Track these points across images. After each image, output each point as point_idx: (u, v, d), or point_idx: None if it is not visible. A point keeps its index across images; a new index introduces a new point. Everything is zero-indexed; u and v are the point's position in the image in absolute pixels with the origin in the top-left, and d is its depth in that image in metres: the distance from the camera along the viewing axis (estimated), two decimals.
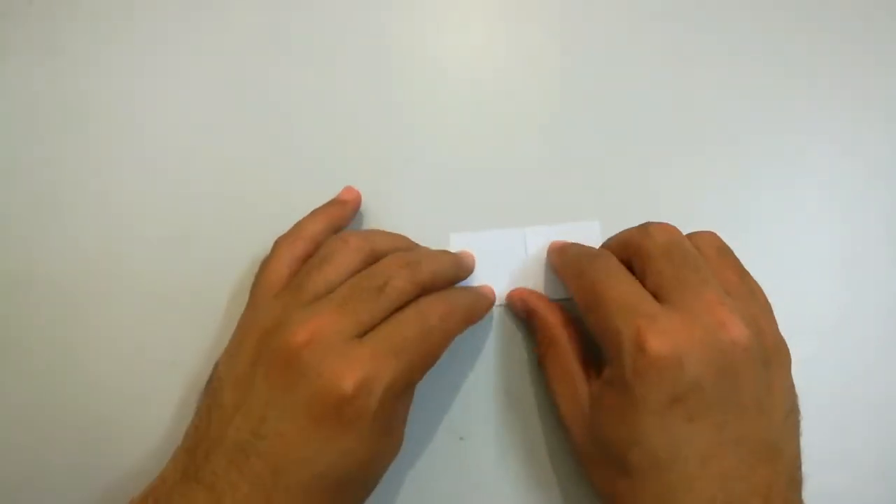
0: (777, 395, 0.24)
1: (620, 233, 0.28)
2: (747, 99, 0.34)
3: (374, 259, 0.27)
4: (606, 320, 0.24)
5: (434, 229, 0.33)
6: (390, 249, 0.28)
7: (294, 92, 0.36)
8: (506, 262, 0.32)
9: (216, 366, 0.27)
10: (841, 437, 0.30)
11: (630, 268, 0.27)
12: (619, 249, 0.28)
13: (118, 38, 0.37)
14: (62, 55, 0.37)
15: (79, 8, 0.38)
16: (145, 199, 0.35)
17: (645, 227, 0.27)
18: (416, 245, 0.31)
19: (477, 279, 0.32)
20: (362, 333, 0.25)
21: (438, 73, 0.36)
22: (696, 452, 0.23)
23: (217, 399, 0.25)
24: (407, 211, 0.34)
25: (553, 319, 0.29)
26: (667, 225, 0.27)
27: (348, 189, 0.33)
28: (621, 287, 0.25)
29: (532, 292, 0.31)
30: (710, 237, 0.27)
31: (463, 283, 0.31)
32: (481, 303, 0.30)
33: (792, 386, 0.25)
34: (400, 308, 0.26)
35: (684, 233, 0.27)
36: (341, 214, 0.32)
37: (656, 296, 0.24)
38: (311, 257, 0.29)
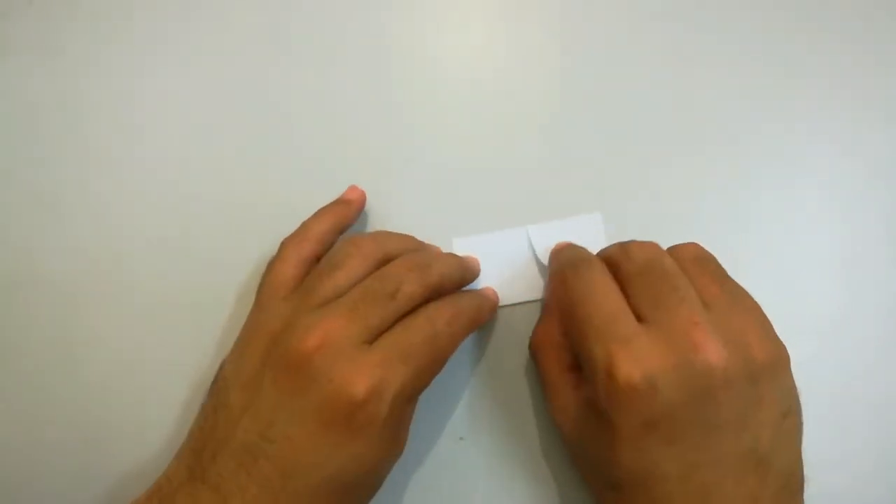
0: (767, 406, 0.23)
1: (603, 249, 0.28)
2: (747, 99, 0.34)
3: (384, 265, 0.27)
4: (583, 341, 0.24)
5: (435, 229, 0.33)
6: (401, 254, 0.28)
7: (294, 92, 0.36)
8: (510, 262, 0.33)
9: (222, 366, 0.27)
10: (841, 437, 0.30)
11: None
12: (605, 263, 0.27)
13: (118, 38, 0.37)
14: (62, 55, 0.37)
15: (79, 8, 0.38)
16: (145, 199, 0.35)
17: (625, 247, 0.26)
18: (425, 245, 0.31)
19: (482, 281, 0.32)
20: (372, 339, 0.25)
21: (438, 73, 0.36)
22: (674, 471, 0.23)
23: (223, 400, 0.25)
24: (407, 211, 0.34)
25: (549, 321, 0.29)
26: (647, 243, 0.26)
27: (353, 188, 0.33)
28: (600, 305, 0.24)
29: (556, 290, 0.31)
30: (691, 248, 0.26)
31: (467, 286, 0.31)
32: (486, 307, 0.30)
33: (791, 388, 0.24)
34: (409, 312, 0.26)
35: (673, 243, 0.27)
36: (346, 214, 0.32)
37: (637, 314, 0.24)
38: (318, 258, 0.29)
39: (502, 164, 0.34)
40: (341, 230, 0.31)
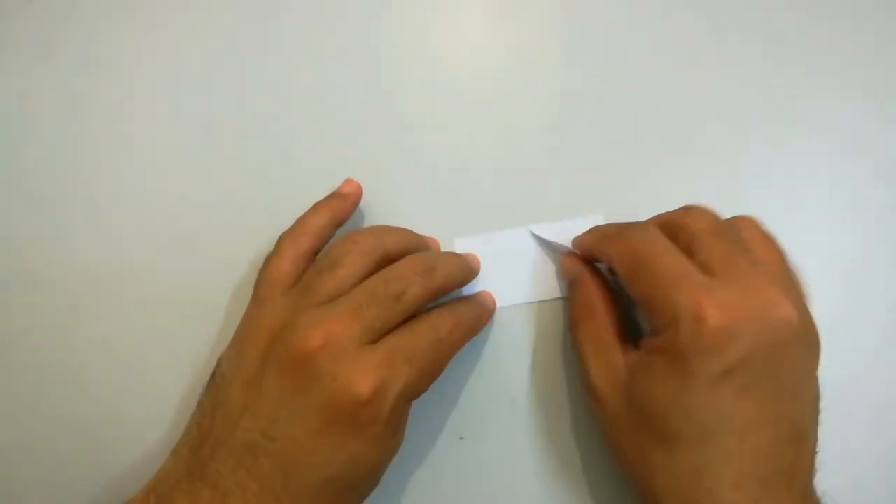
0: (811, 381, 0.24)
1: (658, 215, 0.28)
2: (748, 99, 0.34)
3: (384, 262, 0.27)
4: (658, 289, 0.24)
5: (436, 230, 0.33)
6: (401, 251, 0.28)
7: (293, 92, 0.36)
8: (511, 262, 0.33)
9: (219, 363, 0.27)
10: (841, 437, 0.30)
11: None
12: (659, 227, 0.27)
13: (118, 38, 0.37)
14: (61, 55, 0.37)
15: (78, 8, 0.38)
16: (145, 198, 0.35)
17: (688, 208, 0.27)
18: (426, 242, 0.31)
19: (483, 281, 0.32)
20: (374, 340, 0.25)
21: (439, 72, 0.36)
22: (737, 427, 0.23)
23: (222, 397, 0.25)
24: (408, 211, 0.34)
25: (594, 289, 0.29)
26: (708, 207, 0.27)
27: (348, 181, 0.32)
28: (669, 257, 0.25)
29: (577, 260, 0.31)
30: (753, 222, 0.27)
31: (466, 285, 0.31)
32: (485, 316, 0.31)
33: (817, 377, 0.25)
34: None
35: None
36: (343, 207, 0.31)
37: (704, 271, 0.24)
38: (316, 253, 0.29)
39: (503, 164, 0.34)
40: (338, 224, 0.31)
